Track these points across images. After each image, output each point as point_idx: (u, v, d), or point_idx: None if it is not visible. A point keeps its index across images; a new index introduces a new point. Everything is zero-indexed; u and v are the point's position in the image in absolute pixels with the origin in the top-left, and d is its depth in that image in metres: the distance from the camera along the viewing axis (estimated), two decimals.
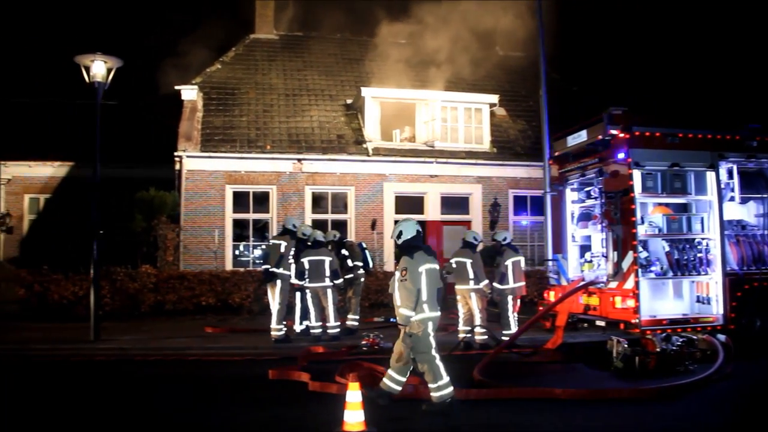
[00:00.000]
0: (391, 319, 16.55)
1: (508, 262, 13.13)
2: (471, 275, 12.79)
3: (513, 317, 13.15)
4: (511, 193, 22.26)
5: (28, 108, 29.54)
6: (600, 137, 11.87)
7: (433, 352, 8.02)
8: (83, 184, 24.53)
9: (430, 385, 8.01)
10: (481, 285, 12.79)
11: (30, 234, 26.48)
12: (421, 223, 21.56)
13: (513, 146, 22.78)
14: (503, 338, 12.51)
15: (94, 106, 14.27)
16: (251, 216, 21.15)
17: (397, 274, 8.27)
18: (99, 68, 13.86)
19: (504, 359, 11.32)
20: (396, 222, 14.76)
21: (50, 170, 26.37)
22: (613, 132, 11.55)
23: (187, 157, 20.45)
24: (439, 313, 8.22)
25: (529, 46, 21.40)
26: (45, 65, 32.21)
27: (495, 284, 13.11)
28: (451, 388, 8.01)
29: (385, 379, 8.36)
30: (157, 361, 11.55)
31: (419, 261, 8.08)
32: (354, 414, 6.78)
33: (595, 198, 12.48)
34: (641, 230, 11.37)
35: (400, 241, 8.56)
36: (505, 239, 13.65)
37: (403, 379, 8.31)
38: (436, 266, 8.24)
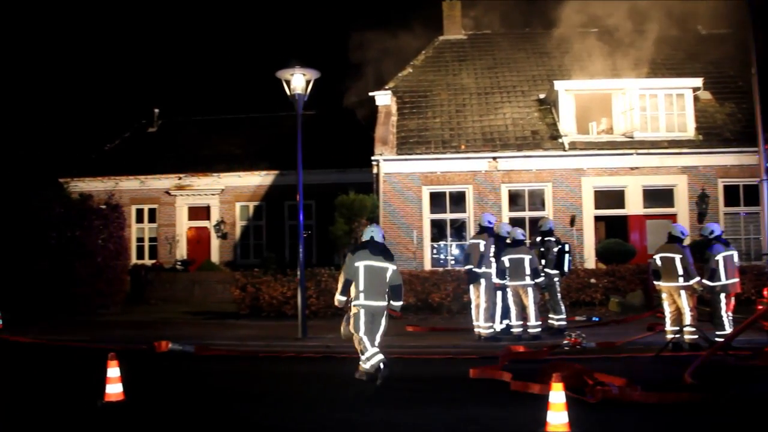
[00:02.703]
0: (593, 318, 16.09)
1: (719, 257, 12.28)
2: (680, 271, 12.06)
3: (727, 317, 12.28)
4: (720, 182, 20.78)
5: (236, 123, 31.80)
6: None
7: (360, 333, 9.45)
8: (287, 191, 26.03)
9: (361, 357, 9.52)
10: (692, 282, 12.01)
11: (241, 239, 28.39)
12: (623, 217, 20.93)
13: (721, 132, 21.25)
14: (716, 339, 11.74)
15: (295, 117, 14.98)
16: (448, 216, 21.37)
17: None
18: (298, 81, 14.53)
19: (718, 362, 10.60)
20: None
21: (258, 179, 28.12)
22: None
23: (384, 160, 21.01)
24: (377, 303, 9.54)
25: (737, 20, 19.90)
26: (250, 82, 34.34)
27: (704, 281, 12.30)
28: (379, 357, 9.39)
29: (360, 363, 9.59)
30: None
31: (358, 257, 9.59)
32: (557, 415, 6.62)
33: None
34: None
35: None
36: (712, 233, 12.76)
37: (382, 356, 9.47)
38: (382, 264, 9.62)
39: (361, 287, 9.53)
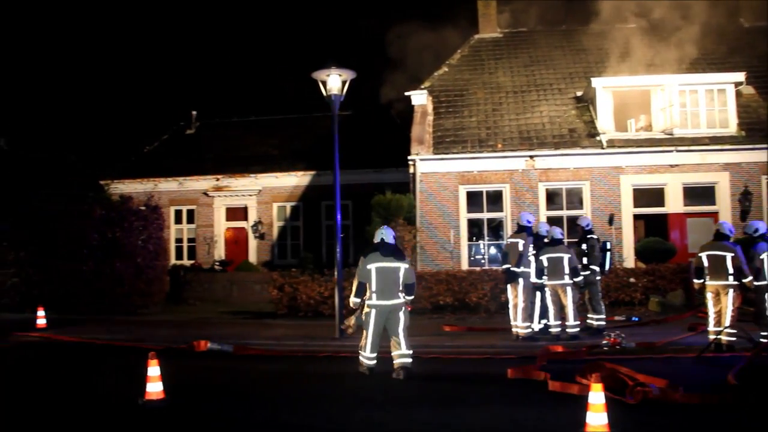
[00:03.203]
0: (633, 318, 15.89)
1: (764, 256, 11.96)
2: (730, 270, 11.78)
3: None
4: (764, 179, 20.29)
5: (273, 124, 32.00)
6: None
7: (369, 331, 10.02)
8: (324, 191, 26.13)
9: (361, 352, 10.18)
10: (746, 281, 11.69)
11: (278, 239, 28.55)
12: (662, 215, 20.61)
13: (765, 127, 20.71)
14: (761, 340, 11.49)
15: (331, 117, 15.01)
16: (485, 215, 21.28)
17: None
18: (334, 82, 14.54)
19: (763, 363, 10.38)
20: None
21: (294, 180, 28.24)
22: None
23: (421, 160, 20.99)
24: (391, 302, 9.99)
25: None
26: (286, 83, 34.53)
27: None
28: (372, 362, 10.08)
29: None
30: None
31: (370, 260, 10.07)
32: (597, 416, 6.53)
33: None
34: None
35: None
36: (757, 230, 12.44)
37: (374, 362, 10.14)
38: (393, 264, 10.04)
39: (374, 288, 10.00)
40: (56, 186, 30.43)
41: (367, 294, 10.08)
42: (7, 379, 10.93)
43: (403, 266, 10.14)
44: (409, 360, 10.05)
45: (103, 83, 52.08)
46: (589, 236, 14.64)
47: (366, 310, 10.11)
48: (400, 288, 10.09)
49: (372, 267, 10.03)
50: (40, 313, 16.81)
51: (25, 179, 31.11)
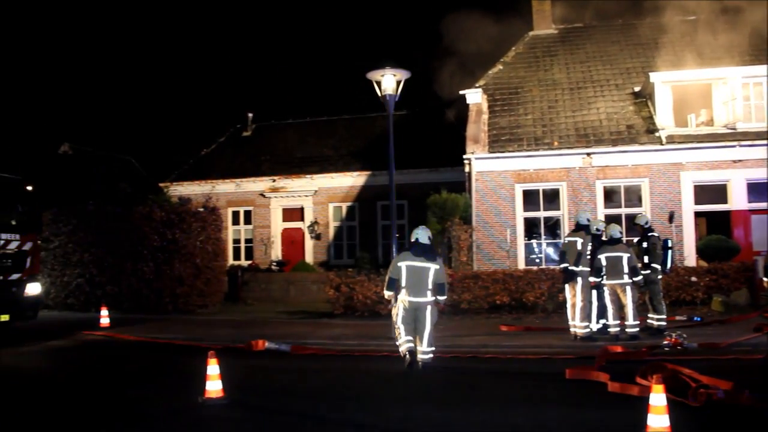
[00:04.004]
0: (695, 318, 15.55)
1: None
2: None
3: None
4: None
5: (328, 125, 32.18)
6: None
7: (399, 323, 10.74)
8: (379, 191, 26.15)
9: (397, 341, 10.91)
10: None
11: (334, 239, 28.70)
12: (725, 212, 20.08)
13: None
14: None
15: (386, 118, 15.02)
16: (542, 214, 21.07)
17: None
18: (389, 82, 14.54)
19: None
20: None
21: (350, 180, 28.33)
22: None
23: (476, 159, 20.88)
24: (419, 299, 10.59)
25: None
26: (341, 84, 34.66)
27: None
28: (410, 344, 10.58)
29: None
30: (452, 357, 11.87)
31: (401, 258, 10.80)
32: (658, 418, 6.39)
33: None
34: None
35: None
36: None
37: (411, 344, 10.63)
38: (423, 264, 10.62)
39: (404, 284, 10.65)
40: (118, 189, 31.16)
41: (387, 287, 10.91)
42: (74, 375, 11.23)
43: (433, 267, 10.68)
44: (429, 356, 10.67)
45: (162, 88, 53.12)
46: (650, 234, 14.39)
47: (397, 303, 10.81)
48: (429, 287, 10.63)
49: (402, 265, 10.69)
50: (104, 312, 17.28)
51: (88, 182, 31.91)
